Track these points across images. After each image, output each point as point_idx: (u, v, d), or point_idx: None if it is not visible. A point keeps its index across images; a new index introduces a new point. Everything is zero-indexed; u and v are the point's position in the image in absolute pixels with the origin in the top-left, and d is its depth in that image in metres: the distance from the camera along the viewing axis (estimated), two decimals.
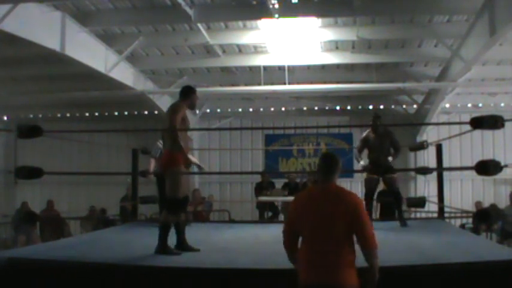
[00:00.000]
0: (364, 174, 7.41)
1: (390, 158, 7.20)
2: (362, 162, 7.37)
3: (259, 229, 7.15)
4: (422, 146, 7.90)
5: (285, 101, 13.65)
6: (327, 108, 13.82)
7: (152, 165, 7.69)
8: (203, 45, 10.05)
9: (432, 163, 9.01)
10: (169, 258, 4.73)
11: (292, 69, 11.24)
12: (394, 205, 7.51)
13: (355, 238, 3.27)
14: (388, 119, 13.37)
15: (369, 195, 7.28)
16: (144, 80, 11.67)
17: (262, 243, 5.76)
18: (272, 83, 11.26)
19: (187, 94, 5.27)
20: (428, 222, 8.09)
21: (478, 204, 12.01)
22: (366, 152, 7.47)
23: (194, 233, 5.80)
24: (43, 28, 7.72)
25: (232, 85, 12.20)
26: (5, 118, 14.71)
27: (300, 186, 11.46)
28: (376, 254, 3.23)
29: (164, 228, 4.96)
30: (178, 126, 5.00)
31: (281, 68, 11.06)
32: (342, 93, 12.59)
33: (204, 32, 9.11)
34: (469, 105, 13.14)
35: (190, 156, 7.38)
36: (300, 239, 3.39)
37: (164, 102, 12.47)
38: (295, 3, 7.97)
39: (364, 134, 7.50)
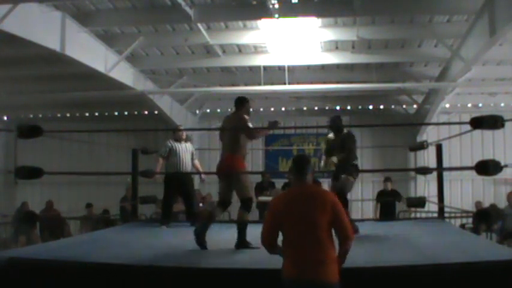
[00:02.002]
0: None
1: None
2: (322, 164, 7.06)
3: (259, 229, 7.12)
4: (422, 146, 7.89)
5: (285, 101, 13.64)
6: (327, 108, 13.80)
7: (160, 164, 7.72)
8: (203, 45, 10.04)
9: (432, 163, 8.99)
10: (170, 258, 4.72)
11: (292, 69, 11.22)
12: None
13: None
14: (388, 119, 13.41)
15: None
16: (144, 80, 11.65)
17: None
18: (272, 83, 11.26)
19: (243, 103, 5.81)
20: (428, 222, 8.09)
21: (478, 204, 12.01)
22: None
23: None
24: (43, 28, 7.70)
25: (232, 85, 12.19)
26: (5, 118, 14.69)
27: None
28: (351, 244, 3.47)
29: (244, 226, 5.41)
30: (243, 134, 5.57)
31: (281, 68, 11.05)
32: (342, 93, 12.58)
33: (204, 32, 9.11)
34: (469, 105, 13.13)
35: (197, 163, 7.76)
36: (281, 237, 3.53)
37: (164, 102, 12.45)
38: (295, 3, 7.98)
39: (328, 136, 7.02)
